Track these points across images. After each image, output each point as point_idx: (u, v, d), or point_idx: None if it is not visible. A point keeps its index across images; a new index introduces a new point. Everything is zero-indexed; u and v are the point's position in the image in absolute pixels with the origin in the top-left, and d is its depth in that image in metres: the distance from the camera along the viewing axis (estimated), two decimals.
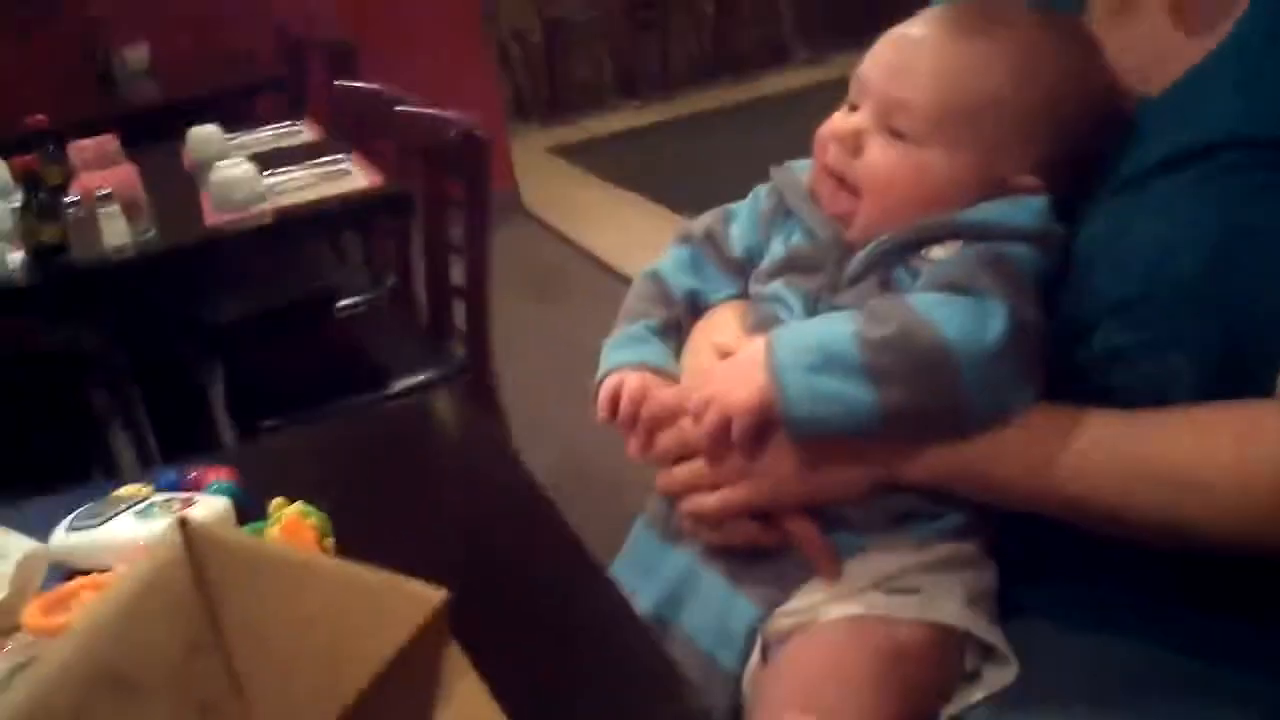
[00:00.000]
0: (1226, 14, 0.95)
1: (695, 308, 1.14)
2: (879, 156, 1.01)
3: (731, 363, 0.99)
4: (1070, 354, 0.95)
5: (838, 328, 0.94)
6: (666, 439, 1.04)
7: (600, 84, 8.81)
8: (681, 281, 1.14)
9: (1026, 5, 1.05)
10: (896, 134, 1.00)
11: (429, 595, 0.48)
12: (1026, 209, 0.97)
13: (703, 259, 1.15)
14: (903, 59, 1.02)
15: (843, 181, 1.03)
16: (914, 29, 1.03)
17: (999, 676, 0.99)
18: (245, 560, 0.47)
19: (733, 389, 0.96)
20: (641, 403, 1.05)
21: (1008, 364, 0.91)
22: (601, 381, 1.10)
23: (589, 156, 7.23)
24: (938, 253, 0.97)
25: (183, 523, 0.46)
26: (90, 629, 0.45)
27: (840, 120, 1.03)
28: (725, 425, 0.96)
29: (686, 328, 1.14)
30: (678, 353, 1.12)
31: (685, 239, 1.17)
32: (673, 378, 1.09)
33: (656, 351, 1.10)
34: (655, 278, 1.15)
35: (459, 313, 2.72)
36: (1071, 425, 0.92)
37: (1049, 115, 0.99)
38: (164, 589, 0.46)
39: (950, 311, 0.91)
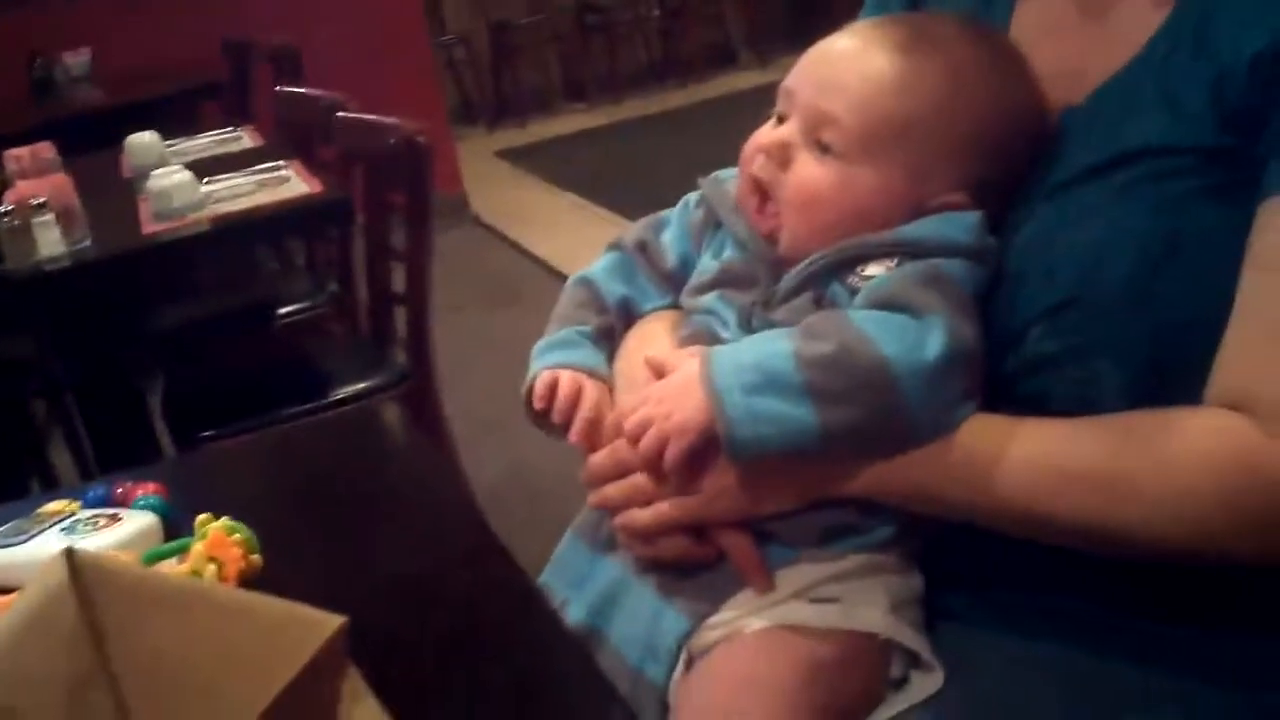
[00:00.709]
0: (1143, 27, 0.95)
1: (627, 315, 1.14)
2: (806, 171, 1.00)
3: (668, 383, 0.98)
4: (1000, 362, 0.95)
5: (776, 346, 0.93)
6: (599, 457, 1.03)
7: (547, 88, 8.82)
8: (614, 289, 1.13)
9: (955, 20, 1.05)
10: (824, 148, 1.00)
11: (325, 622, 0.47)
12: (960, 225, 0.97)
13: (634, 268, 1.14)
14: (831, 72, 1.01)
15: (768, 195, 1.02)
16: (843, 42, 1.03)
17: (926, 684, 0.99)
18: (134, 590, 0.46)
19: (671, 411, 0.95)
20: (577, 400, 1.05)
21: (947, 380, 0.91)
22: (532, 384, 1.09)
23: (537, 160, 7.23)
24: (873, 269, 0.97)
25: (70, 552, 0.45)
26: None
27: (767, 132, 1.03)
28: (662, 448, 0.95)
29: (619, 335, 1.13)
30: (610, 360, 1.12)
31: (617, 246, 1.16)
32: (605, 382, 1.08)
33: (589, 356, 1.10)
34: (587, 283, 1.15)
35: (402, 319, 2.71)
36: (1004, 435, 0.92)
37: (978, 134, 0.99)
38: (51, 620, 0.45)
39: (889, 329, 0.91)
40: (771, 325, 0.99)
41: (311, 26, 5.07)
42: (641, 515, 1.00)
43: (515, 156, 7.49)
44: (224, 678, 0.45)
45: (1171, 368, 0.90)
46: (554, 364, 1.09)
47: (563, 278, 1.20)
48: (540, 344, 1.12)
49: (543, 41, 8.71)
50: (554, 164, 7.02)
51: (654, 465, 0.97)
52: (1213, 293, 0.88)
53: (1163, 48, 0.94)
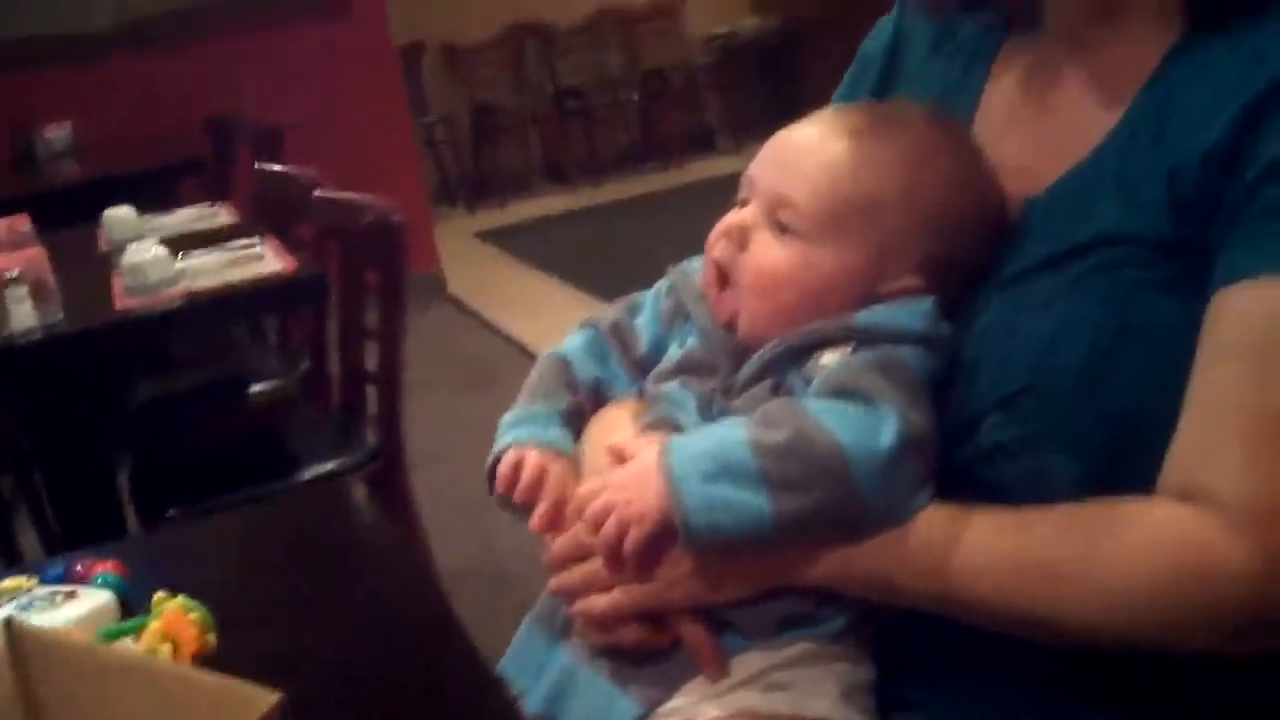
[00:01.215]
0: (1102, 123, 0.97)
1: (598, 397, 1.14)
2: (764, 251, 1.02)
3: (627, 470, 0.98)
4: (956, 449, 0.96)
5: (732, 434, 0.94)
6: (561, 542, 1.03)
7: (528, 170, 8.89)
8: (588, 370, 1.14)
9: (912, 106, 1.08)
10: (783, 229, 1.01)
11: (261, 698, 0.47)
12: (913, 313, 0.98)
13: (607, 350, 1.15)
14: (789, 156, 1.03)
15: (728, 280, 1.03)
16: (801, 129, 1.05)
17: None
18: (73, 661, 0.46)
19: (631, 499, 0.95)
20: (540, 485, 1.05)
21: (901, 468, 0.92)
22: (499, 457, 1.09)
23: (515, 241, 7.26)
24: (829, 358, 0.98)
25: (8, 624, 0.45)
26: None
27: (729, 217, 1.05)
28: (623, 535, 0.96)
29: (588, 415, 1.13)
30: (577, 439, 1.12)
31: (591, 325, 1.17)
32: (573, 464, 1.08)
33: (556, 434, 1.10)
34: (560, 361, 1.15)
35: (374, 397, 2.71)
36: (958, 524, 0.93)
37: (935, 217, 1.00)
38: None
39: (842, 417, 0.92)
40: (730, 414, 1.00)
41: (294, 103, 5.11)
42: (598, 601, 1.00)
43: (494, 237, 7.52)
44: None
45: (1124, 457, 0.91)
46: (521, 439, 1.09)
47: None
48: (508, 416, 1.12)
49: (524, 123, 8.78)
50: (533, 245, 7.05)
51: (614, 552, 0.97)
52: (1164, 384, 0.89)
53: (1120, 139, 0.96)
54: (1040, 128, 1.03)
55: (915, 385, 0.94)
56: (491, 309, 5.85)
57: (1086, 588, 0.88)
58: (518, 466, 1.06)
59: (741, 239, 1.03)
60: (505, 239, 7.40)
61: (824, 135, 1.03)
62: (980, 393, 0.96)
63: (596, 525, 0.97)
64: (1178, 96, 0.93)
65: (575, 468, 1.08)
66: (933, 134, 1.03)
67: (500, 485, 1.07)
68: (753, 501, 0.91)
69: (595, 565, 1.00)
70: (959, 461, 0.96)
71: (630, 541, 0.95)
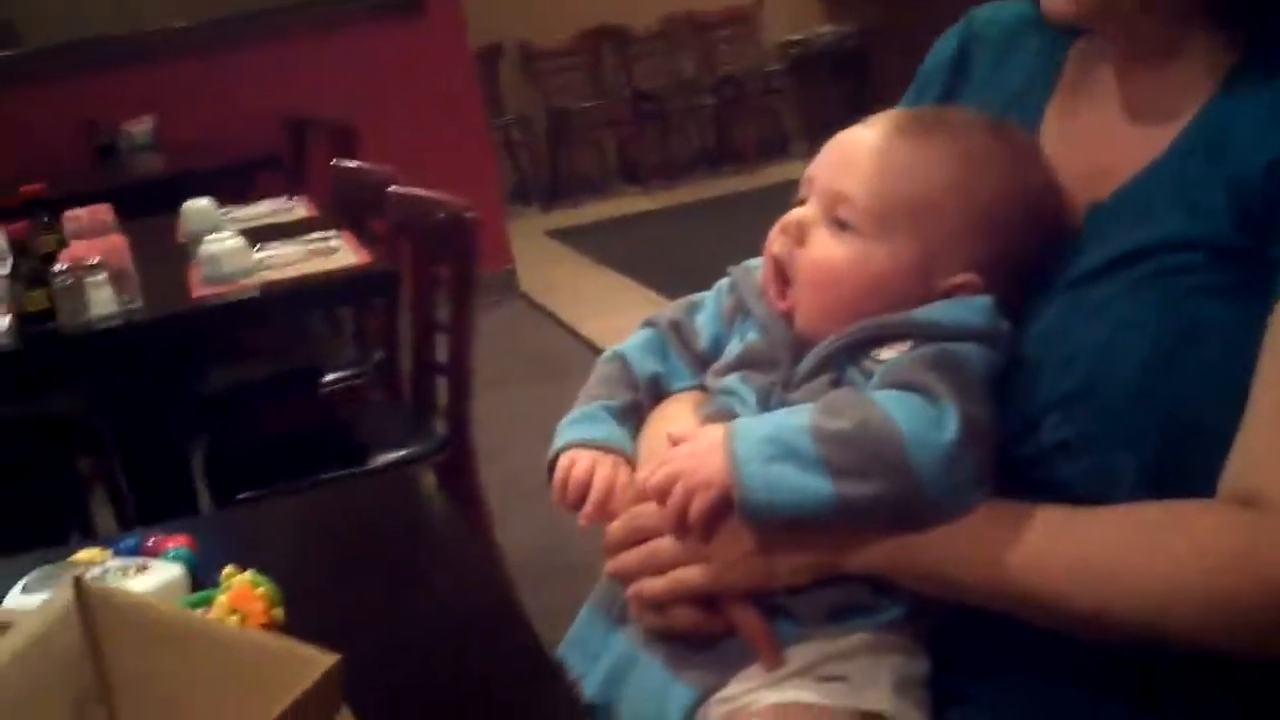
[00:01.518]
0: (1168, 129, 0.97)
1: (657, 392, 1.15)
2: (821, 247, 1.03)
3: (694, 443, 1.00)
4: (1017, 448, 0.96)
5: (795, 420, 0.95)
6: (618, 525, 1.04)
7: (603, 172, 8.90)
8: (646, 366, 1.15)
9: (970, 110, 1.09)
10: (841, 225, 1.02)
11: (320, 659, 0.48)
12: (973, 309, 0.98)
13: (668, 346, 1.16)
14: (848, 155, 1.04)
15: (788, 278, 1.05)
16: (861, 129, 1.06)
17: None
18: (135, 617, 0.48)
19: (697, 468, 0.97)
20: (589, 484, 1.06)
21: (962, 465, 0.92)
22: (555, 460, 1.10)
23: (588, 241, 7.28)
24: (887, 354, 0.99)
25: (77, 580, 0.47)
26: None
27: (788, 214, 1.06)
28: (688, 502, 0.97)
29: (647, 411, 1.15)
30: (634, 436, 1.13)
31: (651, 324, 1.18)
32: (626, 458, 1.10)
33: (611, 432, 1.11)
34: (619, 359, 1.17)
35: (444, 390, 2.73)
36: (1018, 521, 0.93)
37: (990, 216, 1.00)
38: (55, 642, 0.47)
39: (905, 408, 0.92)
40: (789, 406, 1.00)
41: (371, 103, 5.16)
42: (654, 583, 1.01)
43: (567, 236, 7.55)
44: (217, 706, 0.47)
45: (1184, 458, 0.91)
46: (575, 439, 1.10)
47: None
48: (566, 419, 1.14)
49: (599, 126, 8.81)
50: (605, 245, 7.06)
51: (679, 520, 0.98)
52: (1222, 387, 0.89)
53: (1184, 149, 0.96)
54: (1104, 137, 1.03)
55: (976, 381, 0.95)
56: (562, 307, 5.88)
57: (1144, 590, 0.89)
58: (569, 469, 1.08)
59: (799, 235, 1.04)
60: (577, 238, 7.43)
61: (882, 135, 1.04)
62: (1041, 393, 0.96)
63: (663, 493, 0.98)
64: (1241, 109, 0.94)
65: (628, 461, 1.10)
66: (988, 135, 1.04)
67: (555, 494, 1.09)
68: (812, 485, 0.92)
69: (652, 547, 1.01)
70: (1021, 459, 0.96)
71: (696, 508, 0.96)
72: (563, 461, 1.09)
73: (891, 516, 0.95)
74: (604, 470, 1.08)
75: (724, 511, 0.97)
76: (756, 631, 0.99)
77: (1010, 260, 1.01)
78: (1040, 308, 0.99)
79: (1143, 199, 0.96)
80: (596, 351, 5.04)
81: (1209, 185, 0.93)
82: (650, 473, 1.01)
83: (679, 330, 1.16)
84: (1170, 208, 0.94)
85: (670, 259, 6.17)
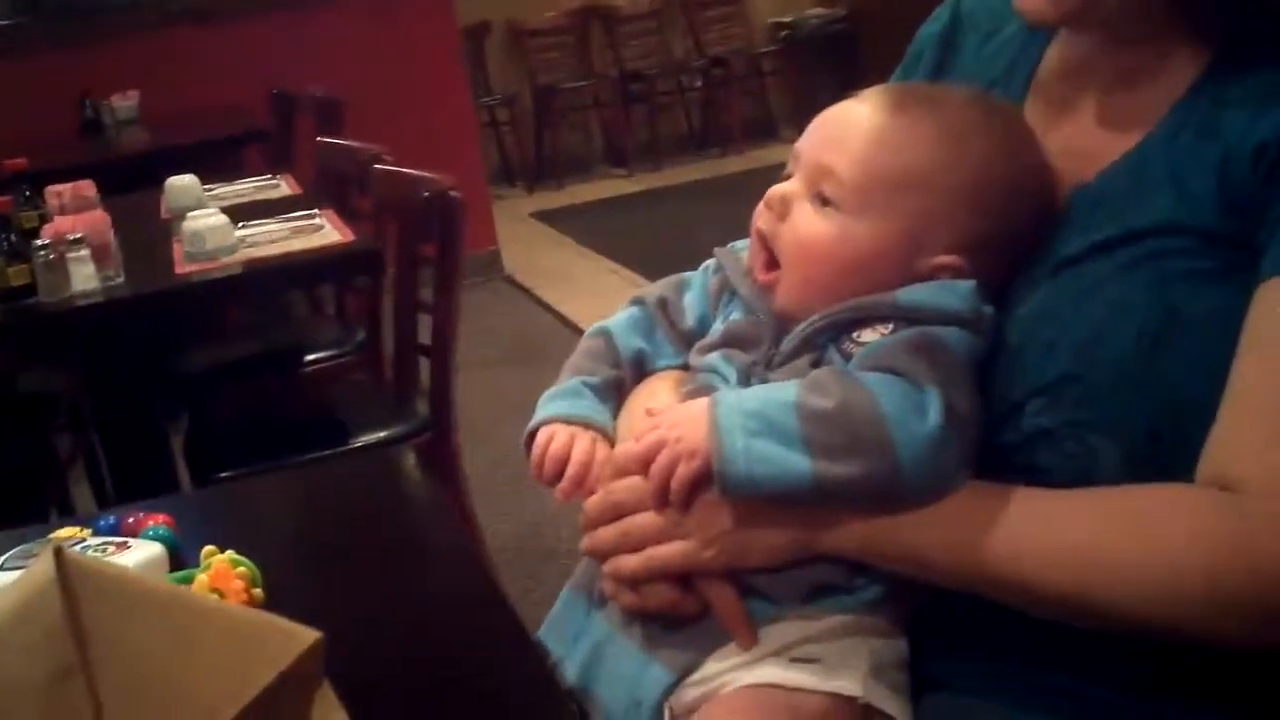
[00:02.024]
0: (1154, 111, 0.97)
1: (640, 369, 1.15)
2: (804, 221, 1.02)
3: (679, 410, 0.99)
4: (998, 432, 0.96)
5: (779, 395, 0.95)
6: (594, 501, 1.04)
7: (588, 153, 8.89)
8: (630, 342, 1.15)
9: (959, 86, 1.08)
10: (824, 201, 1.02)
11: (303, 634, 0.48)
12: (955, 293, 0.98)
13: (654, 324, 1.16)
14: (833, 130, 1.04)
15: (770, 249, 1.04)
16: (847, 104, 1.06)
17: None
18: (117, 590, 0.48)
19: (682, 436, 0.96)
20: (566, 459, 1.06)
21: (943, 450, 0.92)
22: (533, 434, 1.10)
23: (572, 223, 7.27)
24: (869, 335, 0.98)
25: (58, 551, 0.46)
26: None
27: (773, 188, 1.05)
28: (673, 469, 0.96)
29: (629, 387, 1.14)
30: (615, 413, 1.13)
31: (638, 302, 1.18)
32: (605, 434, 1.09)
33: (590, 406, 1.11)
34: (603, 335, 1.16)
35: (426, 371, 2.73)
36: (997, 504, 0.93)
37: (976, 192, 1.00)
38: (35, 615, 0.46)
39: (891, 394, 0.92)
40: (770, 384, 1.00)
41: (356, 80, 5.14)
42: (629, 560, 1.00)
43: (551, 218, 7.54)
44: (199, 680, 0.47)
45: (1168, 446, 0.91)
46: (554, 414, 1.10)
47: None
48: (546, 393, 1.13)
49: (585, 107, 8.80)
50: (589, 227, 7.06)
51: (661, 489, 0.98)
52: (1210, 374, 0.89)
53: (1171, 129, 0.96)
54: (1090, 116, 1.03)
55: (958, 366, 0.94)
56: (546, 288, 5.88)
57: (1122, 574, 0.89)
58: (547, 444, 1.08)
59: (783, 209, 1.04)
60: (562, 220, 7.42)
61: (868, 110, 1.04)
62: (1025, 377, 0.96)
63: (646, 462, 0.98)
64: (1228, 91, 0.94)
65: (606, 437, 1.09)
66: (975, 112, 1.03)
67: (533, 469, 1.09)
68: (792, 461, 0.92)
69: (627, 524, 1.01)
70: (1002, 444, 0.96)
71: (679, 476, 0.96)
72: (541, 436, 1.09)
73: (869, 499, 0.94)
74: (582, 445, 1.07)
75: (705, 482, 0.96)
76: (731, 610, 0.99)
77: (998, 241, 1.00)
78: (1025, 291, 0.99)
79: (1130, 180, 0.96)
80: (580, 334, 5.05)
81: (1198, 167, 0.92)
82: (633, 442, 1.01)
83: (665, 308, 1.16)
84: (1157, 191, 0.94)
85: (655, 242, 6.18)
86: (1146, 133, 0.97)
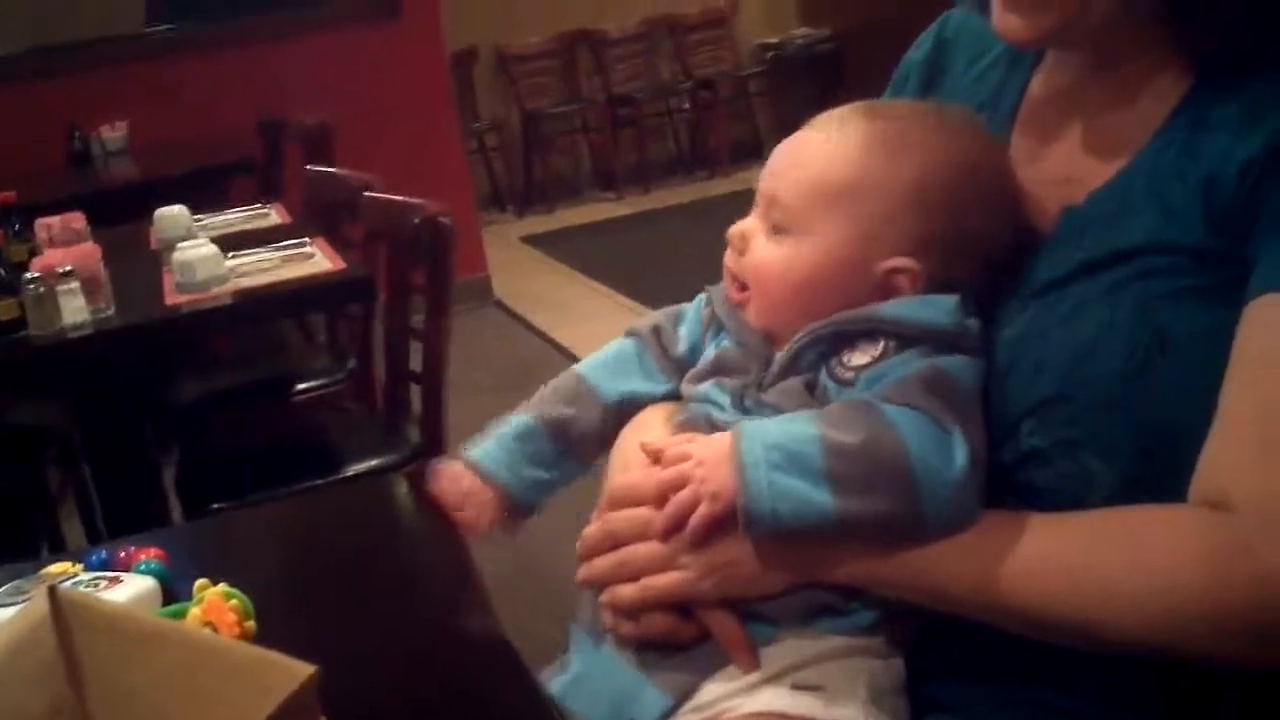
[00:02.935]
0: (1140, 133, 0.98)
1: (625, 410, 1.16)
2: (759, 251, 1.05)
3: (707, 447, 0.98)
4: (994, 453, 0.96)
5: (802, 428, 0.95)
6: (593, 531, 1.04)
7: (577, 177, 8.90)
8: (613, 386, 1.16)
9: (908, 100, 1.12)
10: (777, 229, 1.04)
11: (297, 669, 0.48)
12: (939, 307, 0.98)
13: (645, 353, 1.17)
14: (778, 160, 1.07)
15: (736, 279, 1.07)
16: (796, 134, 1.08)
17: None
18: (111, 627, 0.48)
19: (708, 477, 0.96)
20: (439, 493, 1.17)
21: (966, 492, 0.93)
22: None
23: (562, 247, 7.28)
24: (858, 359, 0.99)
25: (52, 590, 0.46)
26: None
27: (733, 226, 1.08)
28: (693, 508, 0.96)
29: (608, 429, 1.15)
30: (530, 462, 1.15)
31: (632, 333, 1.19)
32: (493, 483, 1.15)
33: (496, 454, 1.16)
34: (574, 376, 1.18)
35: (418, 398, 2.73)
36: (1003, 533, 0.93)
37: (912, 192, 1.01)
38: (30, 652, 0.46)
39: (916, 433, 0.92)
40: (764, 406, 1.01)
41: (345, 107, 5.13)
42: (626, 590, 1.00)
43: (541, 242, 7.55)
44: (193, 716, 0.46)
45: (1161, 465, 0.91)
46: (472, 454, 1.17)
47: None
48: (496, 425, 1.18)
49: (574, 131, 8.81)
50: (580, 251, 7.06)
51: (678, 521, 0.98)
52: (1200, 392, 0.89)
53: (1156, 151, 0.96)
54: (1078, 140, 1.03)
55: (973, 401, 0.95)
56: (537, 314, 5.88)
57: (1117, 595, 0.89)
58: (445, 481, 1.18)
59: (742, 244, 1.07)
60: (552, 244, 7.43)
61: (805, 133, 1.07)
62: (1015, 397, 0.96)
63: (664, 491, 0.98)
64: (1212, 111, 0.94)
65: (483, 485, 1.15)
66: (912, 119, 1.05)
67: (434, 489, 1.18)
68: (815, 496, 0.92)
69: (624, 554, 1.01)
70: (996, 465, 0.96)
71: (699, 516, 0.96)
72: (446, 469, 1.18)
73: (889, 536, 0.94)
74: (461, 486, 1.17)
75: (725, 525, 0.96)
76: (733, 636, 0.99)
77: (946, 240, 1.01)
78: (1013, 313, 0.99)
79: (1117, 202, 0.96)
80: (571, 358, 5.05)
81: (1182, 187, 0.93)
82: (619, 489, 1.03)
83: (659, 335, 1.17)
84: (1144, 211, 0.94)
85: (645, 266, 6.19)
86: (1134, 155, 0.97)
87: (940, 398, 0.93)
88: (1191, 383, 0.90)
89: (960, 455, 0.92)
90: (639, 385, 1.16)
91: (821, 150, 1.04)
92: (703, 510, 0.96)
